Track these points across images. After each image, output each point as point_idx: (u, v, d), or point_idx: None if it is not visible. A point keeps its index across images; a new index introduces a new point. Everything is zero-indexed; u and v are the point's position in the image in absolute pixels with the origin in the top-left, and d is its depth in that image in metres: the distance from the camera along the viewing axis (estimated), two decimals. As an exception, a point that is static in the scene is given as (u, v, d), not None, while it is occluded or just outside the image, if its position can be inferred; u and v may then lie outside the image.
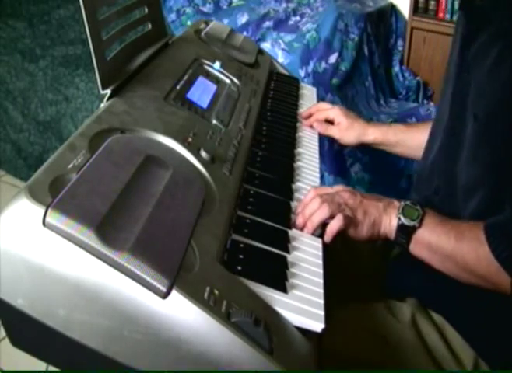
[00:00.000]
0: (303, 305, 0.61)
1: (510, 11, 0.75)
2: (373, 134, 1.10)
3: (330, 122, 1.13)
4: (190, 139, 0.76)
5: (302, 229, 0.76)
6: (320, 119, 1.12)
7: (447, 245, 0.75)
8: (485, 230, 0.72)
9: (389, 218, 0.79)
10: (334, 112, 1.12)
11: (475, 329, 0.80)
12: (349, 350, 0.79)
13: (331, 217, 0.76)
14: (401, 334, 0.81)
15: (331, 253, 0.95)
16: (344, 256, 1.00)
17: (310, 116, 1.13)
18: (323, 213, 0.76)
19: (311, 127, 1.11)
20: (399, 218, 0.77)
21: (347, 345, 0.79)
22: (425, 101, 2.30)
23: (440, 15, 2.26)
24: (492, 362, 0.78)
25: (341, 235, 0.78)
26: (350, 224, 0.77)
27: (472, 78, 0.79)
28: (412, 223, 0.77)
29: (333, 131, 1.11)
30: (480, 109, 0.76)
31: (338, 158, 1.78)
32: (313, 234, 0.76)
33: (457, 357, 0.79)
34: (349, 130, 1.10)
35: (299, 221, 0.77)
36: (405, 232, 0.77)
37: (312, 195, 0.80)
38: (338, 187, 0.83)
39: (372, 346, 0.80)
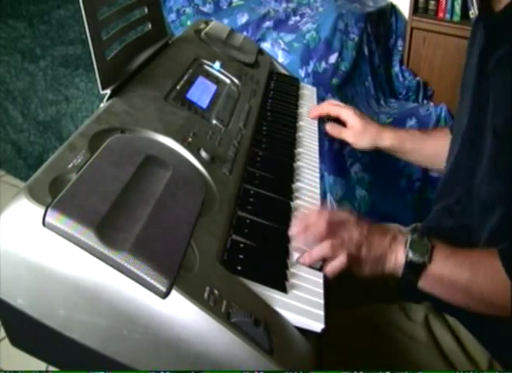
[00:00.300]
0: (302, 305, 0.61)
1: None
2: (390, 139, 1.05)
3: (341, 123, 1.09)
4: (190, 139, 0.76)
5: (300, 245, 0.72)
6: (332, 114, 1.08)
7: (461, 277, 0.71)
8: (501, 257, 0.68)
9: (395, 255, 0.73)
10: (347, 113, 1.07)
11: (489, 332, 0.79)
12: (361, 348, 0.79)
13: (333, 253, 0.71)
14: (414, 334, 0.81)
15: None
16: None
17: (319, 113, 1.10)
18: (325, 250, 0.70)
19: (318, 117, 1.08)
20: (407, 255, 0.72)
21: (359, 344, 0.79)
22: (425, 101, 2.29)
23: (440, 15, 2.25)
24: (507, 364, 0.78)
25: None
26: (353, 263, 0.72)
27: (491, 91, 0.77)
28: (421, 259, 0.71)
29: (346, 135, 1.07)
30: (499, 124, 0.74)
31: (338, 158, 1.78)
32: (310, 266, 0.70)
33: (472, 359, 0.79)
34: (364, 134, 1.05)
35: (300, 242, 0.71)
36: (414, 269, 0.72)
37: (316, 217, 0.73)
38: (345, 215, 0.75)
39: (384, 345, 0.80)
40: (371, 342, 0.80)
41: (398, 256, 0.73)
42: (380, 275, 0.74)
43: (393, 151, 1.08)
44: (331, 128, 1.07)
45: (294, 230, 0.72)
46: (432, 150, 1.04)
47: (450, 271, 0.71)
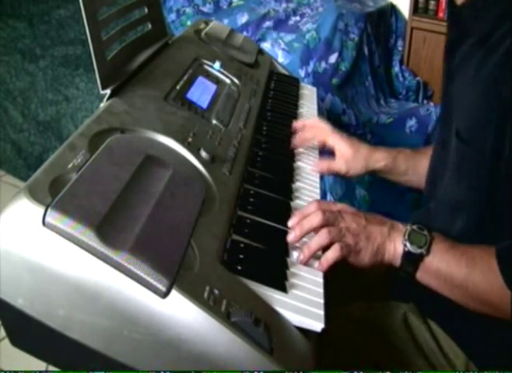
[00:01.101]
0: (302, 305, 0.61)
1: (489, 20, 0.72)
2: (384, 159, 0.98)
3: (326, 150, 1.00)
4: (190, 139, 0.76)
5: (297, 241, 0.72)
6: (320, 140, 1.00)
7: (457, 273, 0.70)
8: (497, 258, 0.68)
9: (393, 245, 0.72)
10: (334, 139, 0.98)
11: (466, 334, 0.79)
12: (347, 346, 0.79)
13: (331, 244, 0.70)
14: (395, 333, 0.81)
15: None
16: None
17: (301, 141, 1.00)
18: (322, 239, 0.69)
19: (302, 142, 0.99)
20: (405, 245, 0.71)
21: (344, 341, 0.79)
22: (425, 101, 2.30)
23: (440, 15, 2.25)
24: (482, 365, 0.78)
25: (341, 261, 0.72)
26: (350, 253, 0.71)
27: (455, 89, 0.76)
28: (419, 250, 0.70)
29: (338, 165, 0.97)
30: (461, 126, 0.74)
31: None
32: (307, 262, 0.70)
33: (450, 360, 0.79)
34: (356, 158, 0.97)
35: (297, 233, 0.71)
36: (412, 260, 0.71)
37: (314, 207, 0.73)
38: (342, 206, 0.76)
39: (368, 343, 0.80)
40: (356, 339, 0.80)
41: (397, 246, 0.72)
42: (379, 265, 0.73)
43: (387, 173, 1.02)
44: (319, 165, 0.96)
45: (292, 221, 0.73)
46: (425, 169, 0.99)
47: (447, 265, 0.71)
